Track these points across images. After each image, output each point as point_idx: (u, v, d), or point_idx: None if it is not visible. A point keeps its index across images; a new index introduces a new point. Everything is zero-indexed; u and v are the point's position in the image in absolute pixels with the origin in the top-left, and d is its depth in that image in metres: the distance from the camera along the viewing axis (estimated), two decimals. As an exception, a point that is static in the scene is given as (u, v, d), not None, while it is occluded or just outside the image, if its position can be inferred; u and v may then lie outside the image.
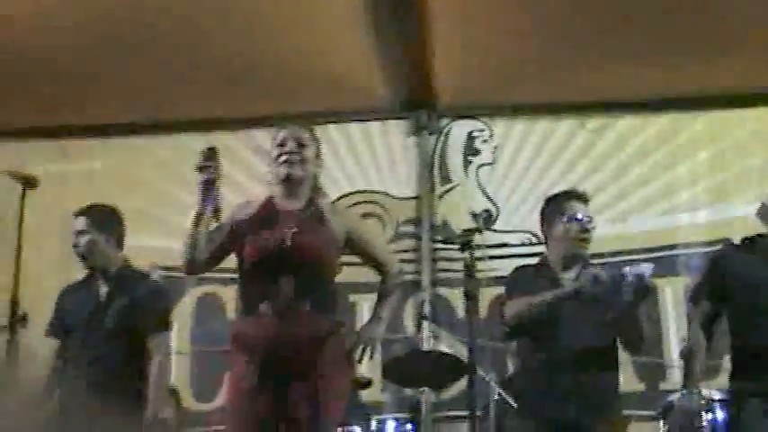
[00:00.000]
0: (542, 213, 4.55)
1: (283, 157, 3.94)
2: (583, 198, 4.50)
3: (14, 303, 4.12)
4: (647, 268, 4.10)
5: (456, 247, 4.02)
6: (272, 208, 3.96)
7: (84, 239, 4.71)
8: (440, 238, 6.24)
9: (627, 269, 4.10)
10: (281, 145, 3.97)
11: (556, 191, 4.72)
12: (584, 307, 4.23)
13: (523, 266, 4.61)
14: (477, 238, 4.00)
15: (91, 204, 4.84)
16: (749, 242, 4.22)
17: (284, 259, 3.77)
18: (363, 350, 3.90)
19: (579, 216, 4.40)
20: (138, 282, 4.81)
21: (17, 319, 4.10)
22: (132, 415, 4.48)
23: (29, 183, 4.33)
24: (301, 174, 3.96)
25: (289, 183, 3.96)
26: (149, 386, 4.54)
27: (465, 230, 4.09)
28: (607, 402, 4.28)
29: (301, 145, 3.97)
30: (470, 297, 3.96)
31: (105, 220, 4.80)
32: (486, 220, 4.14)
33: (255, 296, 3.80)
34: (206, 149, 3.83)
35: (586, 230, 4.42)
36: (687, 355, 4.34)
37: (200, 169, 3.78)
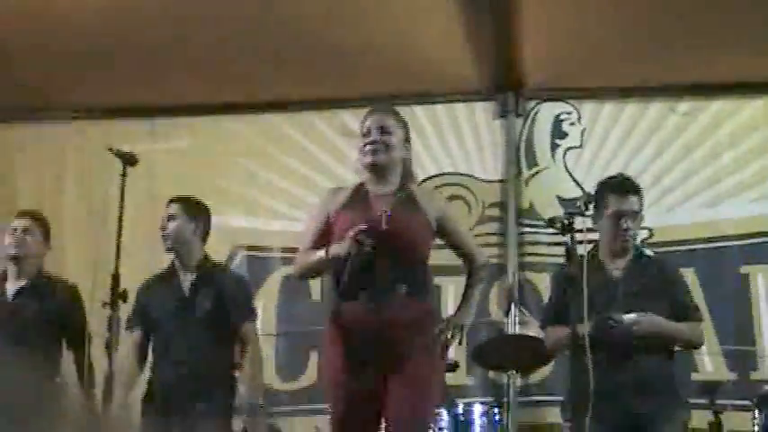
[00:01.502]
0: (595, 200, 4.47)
1: (368, 146, 3.98)
2: (626, 189, 4.41)
3: (115, 279, 4.18)
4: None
5: (545, 230, 3.99)
6: (364, 193, 3.99)
7: (173, 225, 4.78)
8: (533, 221, 6.18)
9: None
10: (366, 134, 4.00)
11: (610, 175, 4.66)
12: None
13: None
14: (578, 222, 3.97)
15: (185, 196, 4.93)
16: None
17: (379, 243, 3.78)
18: (452, 337, 3.91)
19: (622, 210, 4.35)
20: (221, 274, 4.90)
21: (118, 295, 4.16)
22: (224, 404, 4.60)
23: (129, 160, 4.40)
24: (387, 160, 3.99)
25: (375, 169, 3.99)
26: (243, 374, 4.62)
27: (567, 212, 4.06)
28: (665, 392, 4.24)
29: (386, 132, 4.00)
30: (570, 281, 3.92)
31: (196, 210, 4.87)
32: (586, 203, 4.09)
33: (352, 282, 3.81)
34: None
35: (626, 228, 4.35)
36: None
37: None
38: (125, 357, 4.65)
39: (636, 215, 4.39)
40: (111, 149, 4.42)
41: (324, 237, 3.97)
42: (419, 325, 3.84)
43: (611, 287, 4.32)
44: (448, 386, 5.40)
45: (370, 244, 3.75)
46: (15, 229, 5.09)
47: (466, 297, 4.06)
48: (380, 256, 3.79)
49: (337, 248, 3.84)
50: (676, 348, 4.45)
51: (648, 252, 4.85)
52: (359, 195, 4.00)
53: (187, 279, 4.77)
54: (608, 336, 4.11)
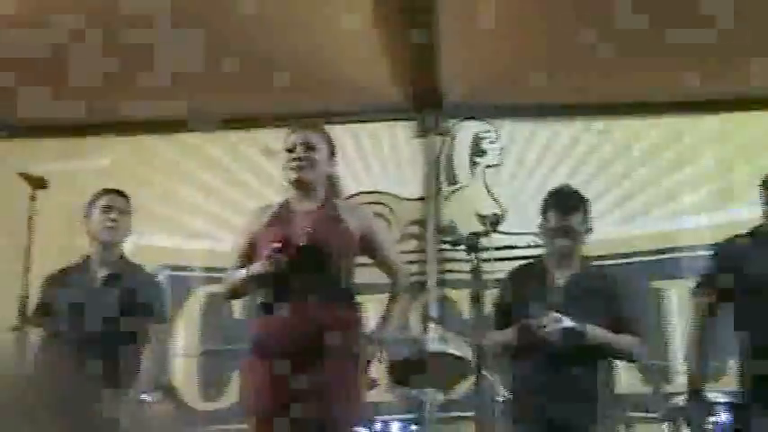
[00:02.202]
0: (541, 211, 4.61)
1: (293, 163, 4.01)
2: (564, 206, 4.51)
3: (23, 302, 4.15)
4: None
5: (462, 248, 4.08)
6: (288, 210, 4.02)
7: (124, 219, 4.80)
8: (447, 239, 6.25)
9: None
10: (291, 150, 4.02)
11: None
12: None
13: (517, 269, 4.68)
14: (484, 241, 4.04)
15: (115, 188, 4.91)
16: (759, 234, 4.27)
17: (299, 258, 3.83)
18: (372, 352, 3.96)
19: (558, 226, 4.46)
20: (135, 272, 4.89)
21: (26, 319, 4.13)
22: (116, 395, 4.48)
23: (38, 184, 4.37)
24: (312, 176, 4.03)
25: (300, 185, 4.02)
26: (140, 373, 4.60)
27: (472, 233, 4.13)
28: (597, 403, 4.32)
29: (310, 148, 4.03)
30: (477, 299, 3.99)
31: (129, 207, 4.90)
32: (494, 222, 4.19)
33: (269, 296, 3.90)
34: None
35: (562, 246, 4.45)
36: (686, 351, 4.42)
37: None
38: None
39: (572, 231, 4.46)
40: (21, 174, 4.39)
41: (248, 256, 4.01)
42: (339, 331, 3.85)
43: (552, 295, 4.41)
44: (367, 402, 5.44)
45: (284, 261, 3.78)
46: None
47: (386, 313, 4.10)
48: (299, 271, 3.82)
49: (255, 267, 3.89)
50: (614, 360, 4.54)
51: (595, 264, 4.92)
52: (283, 212, 4.04)
53: (101, 273, 4.76)
54: (552, 340, 4.20)
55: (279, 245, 3.81)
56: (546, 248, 4.57)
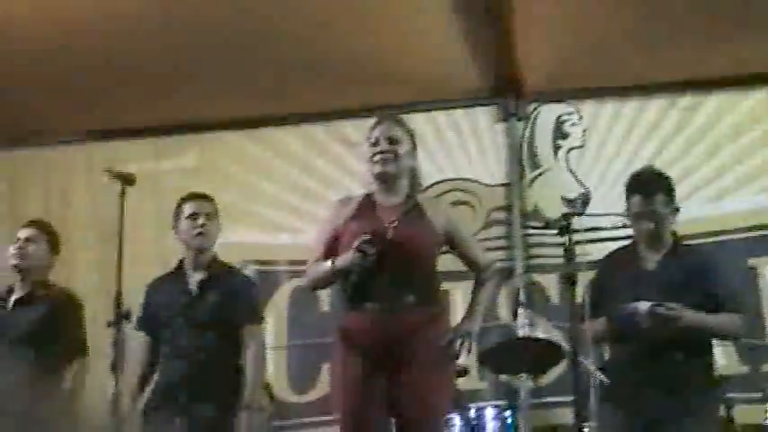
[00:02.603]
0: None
1: (377, 156, 4.01)
2: (645, 190, 4.41)
3: (119, 299, 4.20)
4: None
5: (551, 231, 4.04)
6: (372, 204, 4.02)
7: (211, 224, 4.81)
8: (538, 223, 6.19)
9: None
10: (374, 144, 4.02)
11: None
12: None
13: (609, 254, 4.61)
14: (575, 222, 3.99)
15: (199, 193, 4.95)
16: None
17: (385, 254, 3.82)
18: (461, 345, 3.94)
19: (640, 211, 4.38)
20: (229, 274, 4.90)
21: (122, 315, 4.18)
22: (226, 407, 4.58)
23: (127, 180, 4.42)
24: (395, 170, 4.03)
25: (384, 179, 4.02)
26: (245, 376, 4.61)
27: (564, 214, 4.09)
28: (695, 390, 4.23)
29: (394, 141, 4.03)
30: (569, 281, 3.93)
31: (215, 209, 4.91)
32: (584, 202, 4.14)
33: (359, 292, 3.89)
34: None
35: (645, 228, 4.36)
36: None
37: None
38: (135, 358, 4.71)
39: (654, 214, 4.38)
40: (109, 171, 4.44)
41: (332, 247, 4.01)
42: (427, 330, 3.87)
43: (644, 280, 4.33)
44: (459, 390, 5.42)
45: (374, 253, 3.78)
46: (19, 239, 5.13)
47: (473, 305, 4.08)
48: (387, 267, 3.83)
49: (342, 259, 3.89)
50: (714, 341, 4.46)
51: (688, 243, 4.80)
52: (366, 206, 4.04)
53: (196, 278, 4.79)
54: (645, 328, 4.13)
55: (369, 236, 3.80)
56: (635, 232, 4.48)
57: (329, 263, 3.94)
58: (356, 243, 3.81)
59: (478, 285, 4.12)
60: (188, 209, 4.83)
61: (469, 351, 4.02)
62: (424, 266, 3.95)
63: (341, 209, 4.09)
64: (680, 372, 4.21)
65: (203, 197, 4.91)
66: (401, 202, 4.02)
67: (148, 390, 4.72)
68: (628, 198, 4.46)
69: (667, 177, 4.54)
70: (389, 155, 4.00)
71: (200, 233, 4.77)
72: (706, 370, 4.37)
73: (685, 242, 4.65)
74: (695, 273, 4.36)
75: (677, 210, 4.47)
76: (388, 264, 3.83)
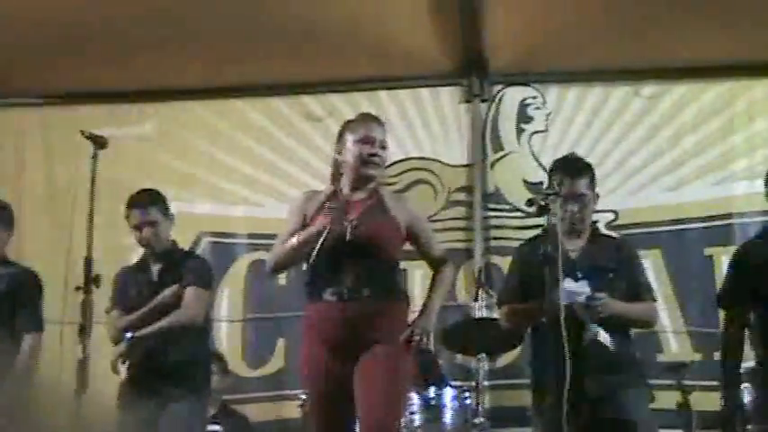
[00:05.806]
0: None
1: (374, 159, 4.05)
2: (572, 171, 4.38)
3: (88, 264, 4.16)
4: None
5: (511, 214, 4.01)
6: (338, 199, 4.04)
7: (153, 230, 4.85)
8: (501, 206, 6.21)
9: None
10: (366, 143, 4.01)
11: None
12: None
13: (528, 242, 4.59)
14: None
15: (153, 193, 4.97)
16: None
17: (347, 248, 3.91)
18: (419, 341, 3.98)
19: (567, 192, 4.33)
20: (185, 259, 5.03)
21: (91, 280, 4.13)
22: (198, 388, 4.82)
23: (99, 143, 4.36)
24: (380, 175, 4.10)
25: (366, 181, 4.06)
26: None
27: (545, 194, 4.09)
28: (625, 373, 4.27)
29: (384, 147, 4.11)
30: (549, 260, 3.97)
31: (166, 205, 4.96)
32: (559, 185, 4.14)
33: (320, 283, 3.96)
34: None
35: (572, 211, 4.35)
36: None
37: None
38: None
39: (582, 197, 4.36)
40: (82, 132, 4.39)
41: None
42: (387, 319, 3.94)
43: (566, 268, 4.31)
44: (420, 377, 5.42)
45: (340, 216, 3.89)
46: None
47: (429, 301, 4.12)
48: (349, 260, 3.90)
49: (311, 229, 3.94)
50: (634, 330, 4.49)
51: (606, 232, 4.87)
52: (332, 201, 4.03)
53: (156, 266, 4.90)
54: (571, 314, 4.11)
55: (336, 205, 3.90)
56: (556, 217, 4.43)
57: (294, 239, 3.97)
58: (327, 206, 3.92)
59: (435, 280, 4.16)
60: (133, 220, 4.89)
61: (426, 347, 4.14)
62: (386, 260, 4.01)
63: (309, 200, 4.12)
64: (603, 356, 4.15)
65: (150, 200, 4.92)
66: (366, 197, 4.06)
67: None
68: (554, 181, 4.37)
69: (590, 164, 4.54)
70: (381, 159, 4.07)
71: (147, 242, 4.88)
72: (635, 354, 4.42)
73: (619, 233, 4.66)
74: (616, 261, 4.37)
75: (598, 196, 4.47)
76: (350, 257, 3.91)
